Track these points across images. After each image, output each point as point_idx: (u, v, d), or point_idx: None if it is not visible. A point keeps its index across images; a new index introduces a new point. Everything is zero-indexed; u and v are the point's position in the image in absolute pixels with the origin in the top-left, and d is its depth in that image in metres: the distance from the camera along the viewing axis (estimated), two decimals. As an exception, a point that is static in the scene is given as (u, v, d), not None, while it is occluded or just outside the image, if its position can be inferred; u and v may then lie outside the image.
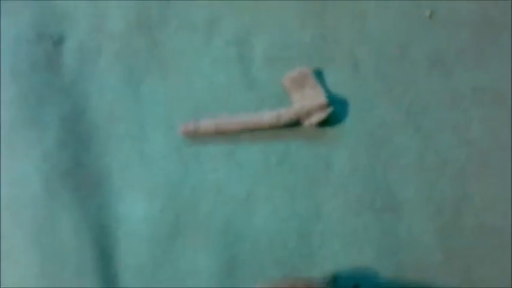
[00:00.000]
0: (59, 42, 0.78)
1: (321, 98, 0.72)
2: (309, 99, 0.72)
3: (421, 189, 0.69)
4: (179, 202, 0.71)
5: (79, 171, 0.73)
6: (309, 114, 0.72)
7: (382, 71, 0.74)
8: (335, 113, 0.72)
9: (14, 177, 0.73)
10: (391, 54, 0.75)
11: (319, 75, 0.74)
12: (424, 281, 0.65)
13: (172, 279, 0.68)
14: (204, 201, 0.70)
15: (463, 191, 0.69)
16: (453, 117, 0.72)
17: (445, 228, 0.67)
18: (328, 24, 0.77)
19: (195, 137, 0.73)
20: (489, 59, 0.74)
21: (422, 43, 0.75)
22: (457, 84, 0.73)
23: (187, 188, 0.71)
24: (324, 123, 0.72)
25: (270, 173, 0.71)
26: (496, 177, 0.69)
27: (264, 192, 0.70)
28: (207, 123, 0.73)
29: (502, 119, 0.71)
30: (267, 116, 0.72)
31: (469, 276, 0.66)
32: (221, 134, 0.73)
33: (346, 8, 0.78)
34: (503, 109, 0.71)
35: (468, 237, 0.67)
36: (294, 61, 0.76)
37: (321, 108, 0.71)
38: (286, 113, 0.72)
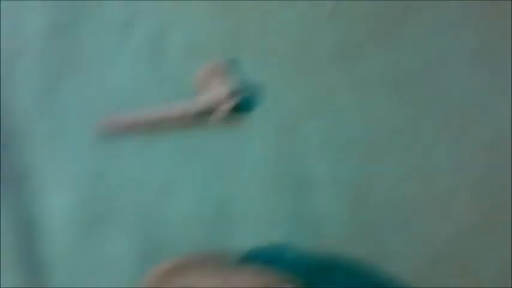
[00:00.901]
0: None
1: (228, 88, 0.75)
2: (215, 94, 0.75)
3: (330, 168, 0.73)
4: (100, 194, 0.73)
5: (1, 169, 0.74)
6: (214, 108, 0.75)
7: (289, 62, 0.79)
8: (246, 102, 0.76)
9: None
10: (296, 45, 0.80)
11: (231, 66, 0.78)
12: (334, 253, 0.68)
13: (95, 269, 0.69)
14: (124, 192, 0.73)
15: (371, 167, 0.73)
16: (357, 101, 0.76)
17: (355, 203, 0.71)
18: (238, 21, 0.81)
19: (113, 132, 0.75)
20: (398, 43, 0.79)
21: (325, 35, 0.80)
22: (359, 72, 0.78)
23: (107, 180, 0.73)
24: (235, 111, 0.75)
25: (186, 162, 0.74)
26: (401, 153, 0.73)
27: (181, 180, 0.73)
28: (122, 119, 0.75)
29: (405, 100, 0.76)
30: (178, 108, 0.75)
31: (380, 248, 0.69)
32: (136, 128, 0.75)
33: (255, 3, 0.82)
34: (404, 90, 0.76)
35: (378, 211, 0.71)
36: (206, 56, 0.79)
37: (229, 97, 0.75)
38: (192, 108, 0.75)
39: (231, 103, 0.75)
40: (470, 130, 0.74)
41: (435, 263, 0.68)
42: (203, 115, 0.75)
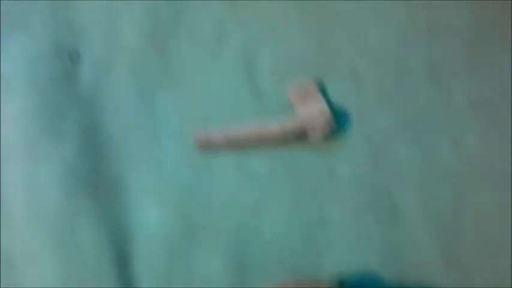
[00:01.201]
0: (75, 56, 0.82)
1: (324, 112, 0.76)
2: (313, 113, 0.76)
3: (420, 198, 0.73)
4: (191, 209, 0.75)
5: (97, 179, 0.77)
6: (313, 127, 0.76)
7: (381, 83, 0.79)
8: (337, 124, 0.76)
9: (34, 186, 0.77)
10: (389, 66, 0.79)
11: (321, 86, 0.79)
12: (425, 286, 0.69)
13: (186, 281, 0.72)
14: (215, 208, 0.75)
15: (462, 200, 0.73)
16: (450, 129, 0.76)
17: (444, 236, 0.71)
18: (329, 39, 0.81)
19: (206, 146, 0.77)
20: (484, 71, 0.78)
21: (419, 55, 0.79)
22: (453, 96, 0.77)
23: (198, 195, 0.75)
24: (327, 134, 0.76)
25: (277, 181, 0.75)
26: (493, 187, 0.73)
27: (271, 200, 0.75)
28: (216, 134, 0.77)
29: (498, 131, 0.75)
30: (273, 129, 0.76)
31: (468, 282, 0.69)
32: (230, 144, 0.77)
33: (345, 22, 0.82)
34: (498, 121, 0.76)
35: (467, 245, 0.71)
36: (297, 73, 0.79)
37: (325, 122, 0.75)
38: (291, 127, 0.76)
39: (328, 128, 0.76)
40: None
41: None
42: (298, 135, 0.76)
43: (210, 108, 0.78)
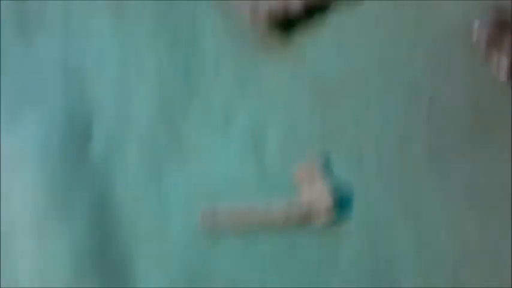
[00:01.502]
0: (87, 129, 0.85)
1: (328, 198, 0.78)
2: (317, 198, 0.78)
3: (420, 282, 0.75)
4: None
5: (104, 257, 0.79)
6: (316, 212, 0.78)
7: (384, 166, 0.80)
8: (340, 209, 0.78)
9: (43, 261, 0.79)
10: (392, 147, 0.82)
11: (327, 164, 0.81)
12: None
13: None
14: (220, 288, 0.77)
15: (459, 284, 0.74)
16: (449, 213, 0.77)
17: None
18: (334, 119, 0.83)
19: (212, 226, 0.79)
20: (483, 156, 0.80)
21: (420, 139, 0.81)
22: (452, 180, 0.79)
23: (204, 274, 0.78)
24: (330, 219, 0.78)
25: (280, 264, 0.77)
26: (491, 272, 0.74)
27: (273, 282, 0.76)
28: (222, 215, 0.79)
29: (496, 216, 0.76)
30: (278, 212, 0.78)
31: None
32: (235, 225, 0.79)
33: (350, 101, 0.84)
34: (497, 206, 0.77)
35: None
36: (304, 151, 0.81)
37: (328, 208, 0.77)
38: (295, 211, 0.78)
39: (330, 209, 0.78)
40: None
41: None
42: (302, 219, 0.78)
43: (218, 187, 0.81)
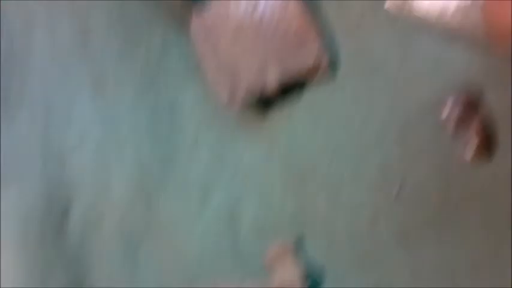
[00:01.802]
0: (66, 209, 0.86)
1: (298, 279, 0.79)
2: (287, 279, 0.79)
3: None
4: None
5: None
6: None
7: (355, 246, 0.82)
8: (311, 284, 0.79)
9: None
10: (363, 227, 0.83)
11: (299, 244, 0.82)
12: None
13: None
14: None
15: None
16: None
17: None
18: (307, 197, 0.85)
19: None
20: (453, 236, 0.82)
21: (390, 219, 0.82)
22: (420, 262, 0.79)
23: None
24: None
25: None
26: None
27: None
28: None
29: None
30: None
31: None
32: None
33: (323, 180, 0.86)
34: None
35: None
36: (277, 230, 0.83)
37: (300, 281, 0.78)
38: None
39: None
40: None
41: None
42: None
43: (192, 264, 0.82)
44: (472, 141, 0.83)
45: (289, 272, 0.79)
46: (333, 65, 0.86)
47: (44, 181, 0.87)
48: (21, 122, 0.90)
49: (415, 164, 0.84)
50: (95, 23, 0.90)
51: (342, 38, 0.87)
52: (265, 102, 0.87)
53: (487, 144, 0.83)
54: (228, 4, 0.86)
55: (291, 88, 0.86)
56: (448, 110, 0.85)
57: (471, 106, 0.84)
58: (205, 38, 0.85)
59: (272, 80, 0.83)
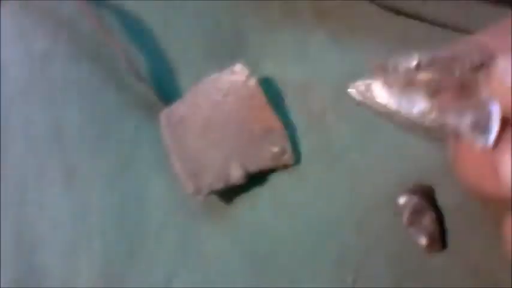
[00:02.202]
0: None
1: None
2: None
3: None
4: None
5: None
6: None
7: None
8: None
9: None
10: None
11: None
12: None
13: None
14: None
15: None
16: None
17: None
18: (269, 285, 0.86)
19: None
20: None
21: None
22: None
23: None
24: None
25: None
26: None
27: None
28: None
29: None
30: None
31: None
32: None
33: (283, 269, 0.87)
34: None
35: None
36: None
37: None
38: None
39: None
40: None
41: None
42: None
43: None
44: (426, 231, 0.87)
45: None
46: (297, 154, 0.91)
47: (14, 266, 0.90)
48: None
49: (371, 252, 0.87)
50: (68, 117, 0.94)
51: (305, 127, 0.92)
52: (230, 192, 0.90)
53: (441, 234, 0.87)
54: (197, 98, 0.91)
55: (255, 177, 0.90)
56: (405, 199, 0.89)
57: (426, 196, 0.89)
58: (173, 130, 0.90)
59: (236, 173, 0.87)
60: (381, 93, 0.63)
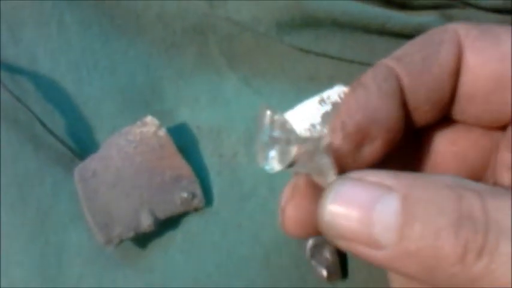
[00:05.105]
0: None
1: None
2: None
3: None
4: None
5: None
6: None
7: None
8: None
9: None
10: None
11: None
12: None
13: None
14: None
15: None
16: None
17: None
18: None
19: None
20: None
21: None
22: None
23: None
24: None
25: None
26: None
27: None
28: None
29: None
30: None
31: None
32: None
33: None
34: None
35: None
36: None
37: None
38: None
39: None
40: None
41: None
42: None
43: None
44: (326, 263, 0.94)
45: None
46: (208, 196, 0.96)
47: None
48: None
49: (278, 286, 0.94)
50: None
51: (217, 170, 0.98)
52: (143, 237, 0.94)
53: (341, 264, 0.94)
54: (110, 151, 0.97)
55: (168, 220, 0.95)
56: (307, 243, 0.95)
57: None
58: (85, 185, 0.95)
59: (146, 221, 0.92)
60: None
